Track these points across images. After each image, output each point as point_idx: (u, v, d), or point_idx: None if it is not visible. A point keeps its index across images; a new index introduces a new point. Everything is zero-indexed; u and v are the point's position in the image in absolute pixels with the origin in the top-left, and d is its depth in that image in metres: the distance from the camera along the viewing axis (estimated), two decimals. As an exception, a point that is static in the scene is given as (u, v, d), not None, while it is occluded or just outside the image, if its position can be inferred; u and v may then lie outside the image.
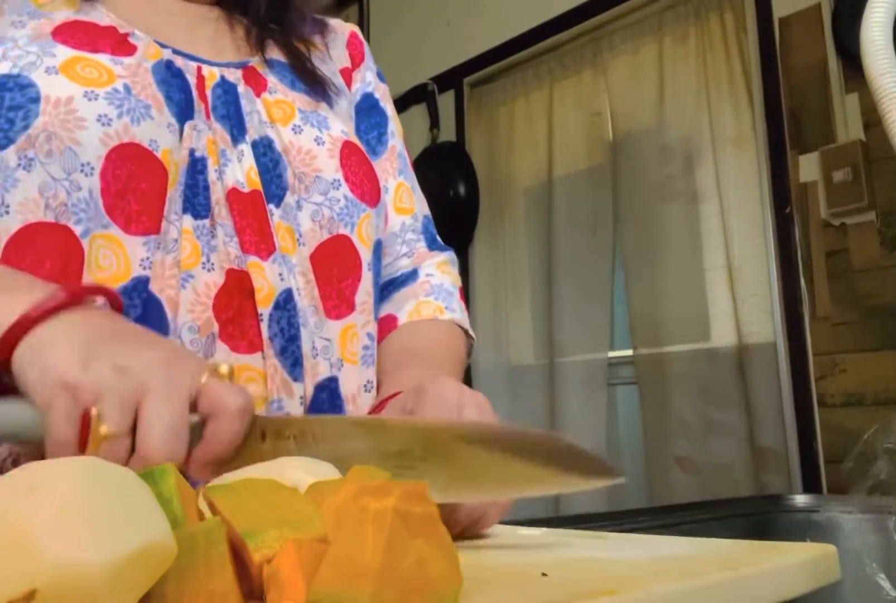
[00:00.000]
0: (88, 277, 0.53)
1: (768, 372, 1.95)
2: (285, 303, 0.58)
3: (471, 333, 0.76)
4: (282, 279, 0.58)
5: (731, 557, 0.38)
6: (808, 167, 1.92)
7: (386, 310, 0.73)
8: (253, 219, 0.58)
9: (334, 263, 0.63)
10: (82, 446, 0.39)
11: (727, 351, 2.03)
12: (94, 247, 0.53)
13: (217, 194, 0.58)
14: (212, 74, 0.62)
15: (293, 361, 0.58)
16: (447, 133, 2.81)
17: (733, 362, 2.01)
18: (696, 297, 2.11)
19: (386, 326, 0.72)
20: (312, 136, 0.63)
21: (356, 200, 0.65)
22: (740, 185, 2.06)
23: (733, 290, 2.02)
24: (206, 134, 0.59)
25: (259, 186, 0.59)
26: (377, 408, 0.61)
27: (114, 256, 0.54)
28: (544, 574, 0.35)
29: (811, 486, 1.83)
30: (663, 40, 2.26)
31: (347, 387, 0.62)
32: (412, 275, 0.75)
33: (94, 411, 0.39)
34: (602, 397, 2.31)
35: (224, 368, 0.42)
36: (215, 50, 0.65)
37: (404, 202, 0.77)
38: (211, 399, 0.41)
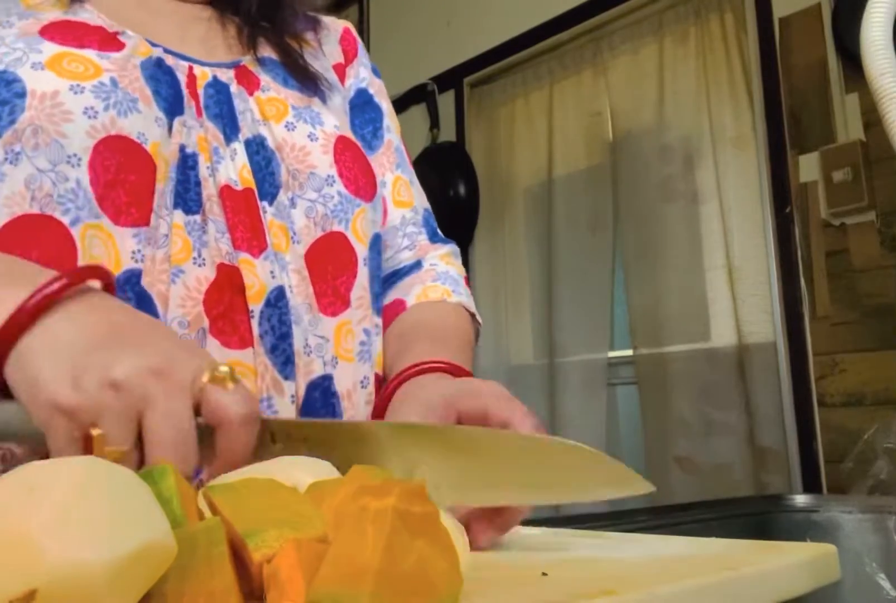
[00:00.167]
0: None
1: (768, 372, 1.94)
2: (276, 300, 0.58)
3: (478, 317, 0.75)
4: (273, 277, 0.58)
5: (731, 557, 0.38)
6: (808, 167, 1.92)
7: (392, 296, 0.73)
8: (245, 216, 0.58)
9: (329, 260, 0.63)
10: None
11: (727, 351, 2.03)
12: (87, 236, 0.53)
13: (209, 190, 0.58)
14: (203, 74, 0.62)
15: (284, 360, 0.57)
16: (447, 133, 2.81)
17: (733, 362, 2.01)
18: (696, 298, 2.11)
19: (394, 309, 0.72)
20: (306, 133, 0.64)
21: (350, 196, 0.65)
22: (740, 186, 2.06)
23: (733, 290, 2.02)
24: (196, 131, 0.59)
25: (252, 185, 0.60)
26: (393, 384, 0.60)
27: (104, 247, 0.54)
28: (544, 574, 0.35)
29: (811, 486, 1.83)
30: (663, 40, 2.26)
31: (342, 384, 0.62)
32: (416, 265, 0.76)
33: (95, 433, 0.38)
34: (602, 397, 2.31)
35: (224, 369, 0.41)
36: (207, 50, 0.65)
37: (403, 195, 0.77)
38: (214, 409, 0.40)
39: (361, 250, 0.66)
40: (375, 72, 0.81)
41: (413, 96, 2.86)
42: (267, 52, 0.69)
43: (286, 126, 0.63)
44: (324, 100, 0.69)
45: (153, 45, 0.61)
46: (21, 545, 0.25)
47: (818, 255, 1.88)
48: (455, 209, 2.67)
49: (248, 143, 0.61)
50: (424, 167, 2.53)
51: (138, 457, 0.39)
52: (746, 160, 2.05)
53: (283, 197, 0.61)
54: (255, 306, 0.57)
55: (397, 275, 0.75)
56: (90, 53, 0.56)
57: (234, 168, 0.59)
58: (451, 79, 2.81)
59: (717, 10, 2.16)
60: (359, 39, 0.80)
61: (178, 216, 0.56)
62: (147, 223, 0.55)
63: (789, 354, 1.91)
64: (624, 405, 2.34)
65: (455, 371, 0.59)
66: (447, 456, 0.42)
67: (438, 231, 0.80)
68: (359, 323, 0.65)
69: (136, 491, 0.29)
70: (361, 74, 0.78)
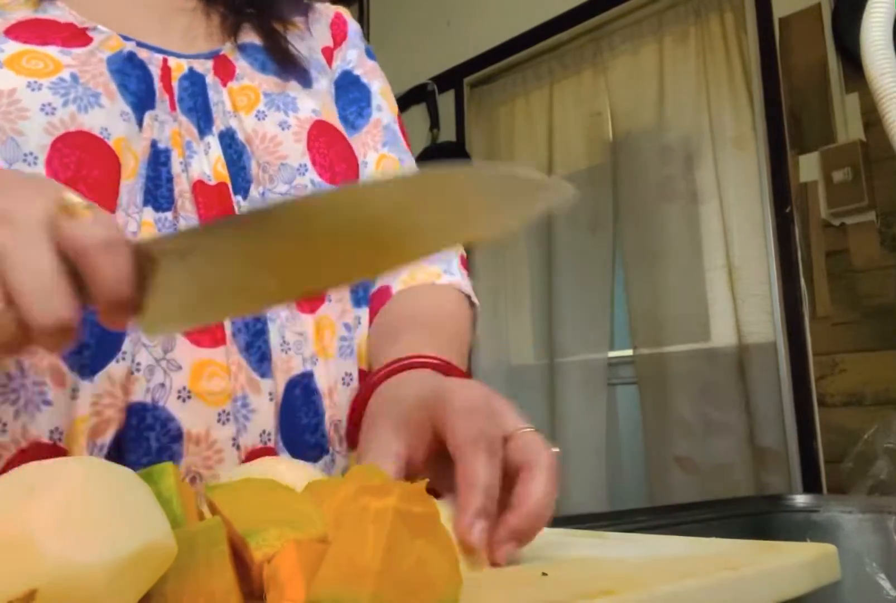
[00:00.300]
0: None
1: (768, 372, 1.95)
2: None
3: (474, 299, 0.70)
4: None
5: (731, 557, 0.38)
6: (808, 167, 1.92)
7: (379, 282, 0.69)
8: (218, 211, 0.57)
9: None
10: None
11: (727, 351, 2.03)
12: None
13: (181, 187, 0.57)
14: (179, 66, 0.61)
15: (259, 357, 0.56)
16: (447, 133, 2.81)
17: (733, 362, 2.01)
18: (696, 298, 2.11)
19: (380, 298, 0.68)
20: (277, 121, 0.62)
21: (325, 184, 0.63)
22: (740, 185, 2.06)
23: (733, 290, 2.02)
24: (170, 126, 0.58)
25: (226, 179, 0.58)
26: (373, 380, 0.56)
27: None
28: (544, 574, 0.35)
29: (811, 486, 1.83)
30: (663, 40, 2.26)
31: (323, 381, 0.60)
32: None
33: None
34: (602, 397, 2.31)
35: (70, 200, 0.36)
36: (187, 41, 0.64)
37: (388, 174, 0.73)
38: (68, 242, 0.35)
39: None
40: (369, 53, 0.78)
41: (413, 96, 2.86)
42: (250, 37, 0.67)
43: (256, 116, 0.61)
44: (306, 83, 0.67)
45: (126, 39, 0.59)
46: (21, 546, 0.25)
47: (818, 255, 1.88)
48: (455, 209, 2.67)
49: (221, 136, 0.60)
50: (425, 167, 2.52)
51: (12, 314, 0.35)
52: (746, 160, 2.05)
53: (254, 192, 0.60)
54: None
55: None
56: (52, 50, 0.55)
57: (209, 162, 0.58)
58: (451, 79, 2.81)
59: (717, 10, 2.16)
60: (351, 23, 0.78)
61: (148, 213, 0.55)
62: None
63: (789, 354, 1.91)
64: (624, 405, 2.34)
65: (443, 367, 0.54)
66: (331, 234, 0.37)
67: None
68: (339, 318, 0.63)
69: (136, 490, 0.29)
70: (349, 57, 0.75)
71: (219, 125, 0.60)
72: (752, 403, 1.96)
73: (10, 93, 0.52)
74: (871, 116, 1.80)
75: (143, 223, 0.55)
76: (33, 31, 0.56)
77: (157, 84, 0.59)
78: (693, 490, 2.01)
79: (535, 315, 2.53)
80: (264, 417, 0.55)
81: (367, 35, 2.96)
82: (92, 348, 0.52)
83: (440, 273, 0.68)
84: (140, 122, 0.57)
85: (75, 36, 0.57)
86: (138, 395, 0.52)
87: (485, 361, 2.57)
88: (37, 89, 0.53)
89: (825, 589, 0.38)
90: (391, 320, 0.65)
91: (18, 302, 0.34)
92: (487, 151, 2.71)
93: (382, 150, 0.73)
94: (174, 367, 0.54)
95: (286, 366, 0.58)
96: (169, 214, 0.56)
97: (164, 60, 0.60)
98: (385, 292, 0.68)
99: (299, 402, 0.58)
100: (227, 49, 0.65)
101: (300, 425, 0.58)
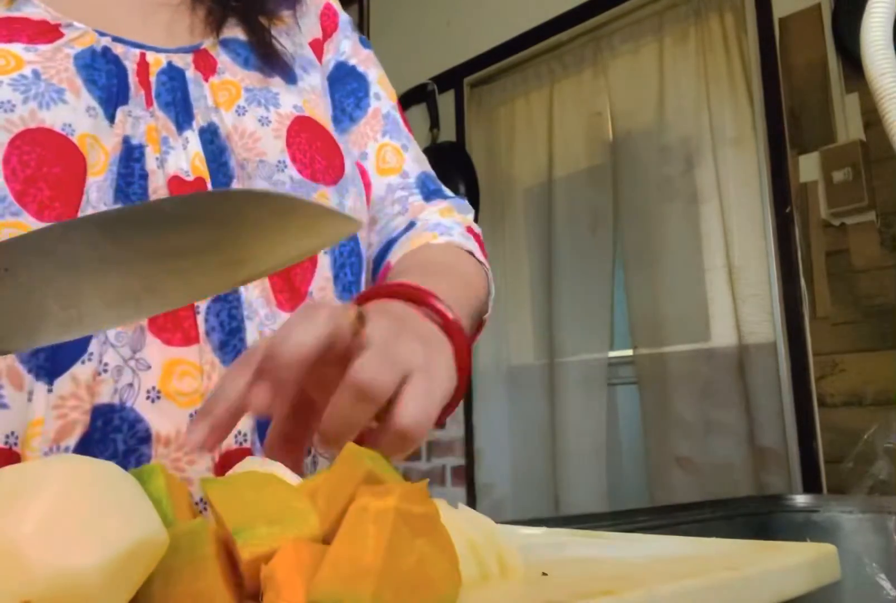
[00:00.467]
0: None
1: (768, 372, 1.94)
2: (226, 294, 0.55)
3: (478, 256, 0.66)
4: None
5: (732, 557, 0.38)
6: (808, 167, 1.92)
7: (384, 263, 0.68)
8: None
9: None
10: None
11: (727, 351, 2.03)
12: (2, 235, 0.51)
13: (156, 183, 0.56)
14: (157, 61, 0.60)
15: (235, 356, 0.55)
16: (447, 133, 2.81)
17: (733, 362, 2.01)
18: (696, 298, 2.11)
19: (383, 275, 0.67)
20: (257, 117, 0.60)
21: (305, 180, 0.61)
22: (740, 185, 2.06)
23: (733, 290, 2.02)
24: (145, 121, 0.57)
25: (204, 174, 0.57)
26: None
27: None
28: (544, 574, 0.35)
29: (811, 486, 1.83)
30: (663, 40, 2.26)
31: None
32: (408, 227, 0.70)
33: None
34: (602, 397, 2.31)
35: None
36: (170, 36, 0.63)
37: (389, 162, 0.72)
38: None
39: None
40: (363, 42, 0.76)
41: (413, 96, 2.86)
42: (234, 32, 0.65)
43: (237, 111, 0.60)
44: (290, 79, 0.65)
45: (102, 34, 0.58)
46: (9, 557, 0.24)
47: (818, 255, 1.88)
48: (455, 209, 2.67)
49: (202, 132, 0.59)
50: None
51: None
52: (746, 160, 2.05)
53: (235, 187, 0.58)
54: (201, 302, 0.54)
55: (392, 243, 0.69)
56: (15, 47, 0.55)
57: (186, 158, 0.57)
58: (451, 79, 2.81)
59: (717, 10, 2.16)
60: (341, 13, 0.76)
61: None
62: (73, 217, 0.52)
63: (789, 354, 1.91)
64: (624, 405, 2.34)
65: (416, 295, 0.47)
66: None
67: (442, 190, 0.74)
68: None
69: (123, 487, 0.28)
70: (342, 47, 0.74)
71: (199, 120, 0.59)
72: (752, 403, 1.96)
73: None
74: (871, 116, 1.80)
75: None
76: (2, 30, 0.56)
77: (133, 79, 0.58)
78: (693, 490, 2.01)
79: (535, 315, 2.53)
80: None
81: (367, 35, 2.94)
82: (47, 351, 0.50)
83: (436, 235, 0.66)
84: (111, 118, 0.56)
85: (44, 32, 0.57)
86: (105, 396, 0.51)
87: (485, 361, 2.57)
88: None
89: (825, 589, 0.38)
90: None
91: None
92: (487, 152, 2.71)
93: (382, 139, 0.72)
94: (143, 366, 0.53)
95: None
96: None
97: (142, 55, 0.59)
98: (385, 269, 0.67)
99: None
100: (209, 44, 0.64)
101: None
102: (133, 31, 0.61)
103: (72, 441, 0.50)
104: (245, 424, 0.55)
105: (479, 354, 2.56)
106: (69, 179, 0.53)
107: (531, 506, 2.39)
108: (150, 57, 0.60)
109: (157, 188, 0.56)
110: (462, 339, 0.46)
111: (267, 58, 0.65)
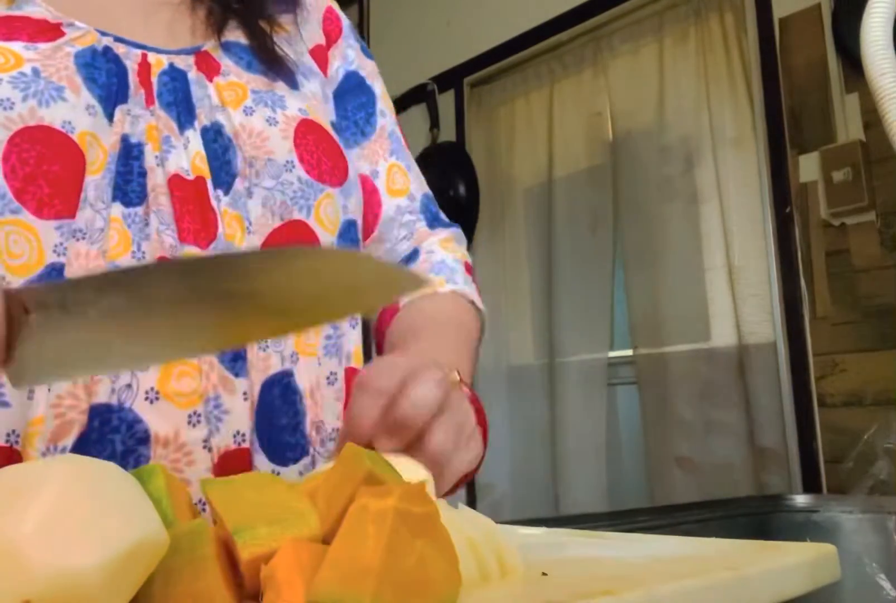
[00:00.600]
0: None
1: (768, 372, 1.94)
2: None
3: (479, 305, 0.71)
4: None
5: (731, 557, 0.38)
6: (808, 167, 1.92)
7: None
8: (194, 206, 0.56)
9: None
10: None
11: (727, 351, 2.03)
12: (3, 234, 0.51)
13: (155, 181, 0.56)
14: (159, 62, 0.60)
15: (233, 356, 0.55)
16: (447, 133, 2.81)
17: (733, 362, 2.01)
18: (696, 298, 2.11)
19: (390, 312, 0.69)
20: (264, 117, 0.61)
21: (312, 181, 0.62)
22: (740, 185, 2.06)
23: (733, 290, 2.02)
24: (146, 120, 0.57)
25: (205, 173, 0.57)
26: None
27: (26, 243, 0.52)
28: (544, 574, 0.35)
29: (811, 486, 1.83)
30: (663, 40, 2.26)
31: (304, 380, 0.59)
32: (412, 255, 0.73)
33: None
34: (602, 397, 2.31)
35: None
36: (171, 37, 0.63)
37: (397, 184, 0.74)
38: None
39: (327, 238, 0.63)
40: (365, 51, 0.77)
41: (413, 96, 2.86)
42: (234, 35, 0.66)
43: (244, 111, 0.60)
44: (292, 85, 0.66)
45: (104, 34, 0.59)
46: (9, 556, 0.24)
47: (818, 255, 1.88)
48: (455, 209, 2.67)
49: (204, 131, 0.59)
50: (424, 167, 2.52)
51: None
52: (746, 160, 2.05)
53: (239, 186, 0.59)
54: None
55: None
56: (15, 46, 0.55)
57: (187, 157, 0.57)
58: (451, 79, 2.81)
59: (717, 10, 2.16)
60: (344, 19, 0.77)
61: (117, 209, 0.54)
62: (72, 215, 0.53)
63: (789, 354, 1.91)
64: (624, 405, 2.34)
65: None
66: (208, 290, 0.38)
67: (441, 216, 0.77)
68: None
69: (123, 487, 0.28)
70: (349, 56, 0.75)
71: (202, 120, 0.59)
72: (752, 403, 1.96)
73: None
74: (871, 116, 1.80)
75: (111, 219, 0.54)
76: (2, 29, 0.56)
77: (133, 78, 0.58)
78: (693, 490, 2.01)
79: (535, 315, 2.53)
80: (238, 417, 0.54)
81: (367, 35, 2.95)
82: None
83: (443, 282, 0.70)
84: (110, 116, 0.56)
85: (44, 31, 0.57)
86: (102, 396, 0.51)
87: (485, 361, 2.57)
88: None
89: (825, 589, 0.38)
90: (398, 332, 0.66)
91: None
92: (487, 152, 2.71)
93: (391, 159, 0.74)
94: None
95: (263, 364, 0.57)
96: (140, 209, 0.55)
97: (144, 56, 0.59)
98: (392, 306, 0.69)
99: (277, 402, 0.57)
100: (210, 46, 0.64)
101: (278, 426, 0.57)
102: (134, 31, 0.61)
103: (69, 441, 0.50)
104: (244, 424, 0.54)
105: (480, 353, 2.56)
106: (68, 177, 0.53)
107: (531, 506, 2.39)
108: (152, 58, 0.60)
109: (156, 186, 0.56)
110: (483, 415, 0.53)
111: (270, 63, 0.65)
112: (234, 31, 0.66)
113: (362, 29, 3.13)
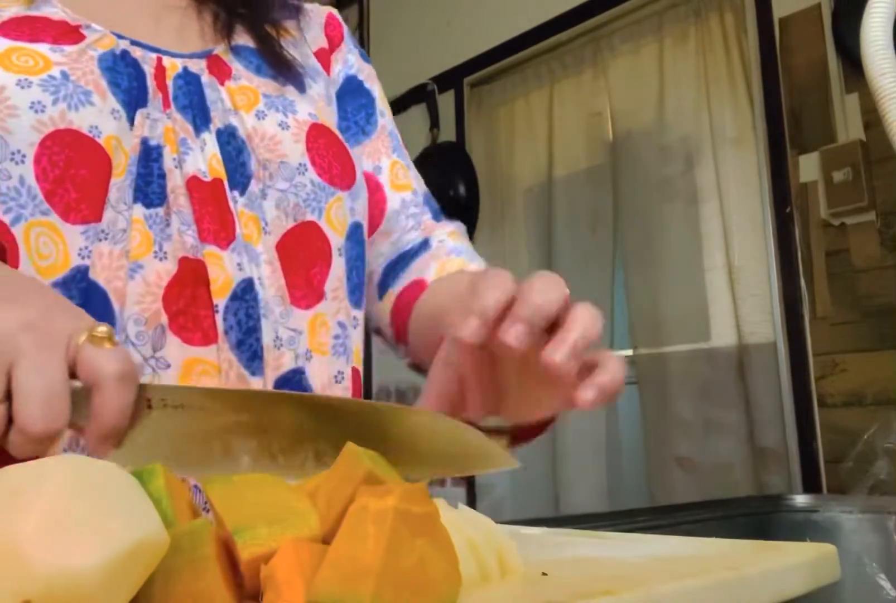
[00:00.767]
0: (27, 267, 0.52)
1: (768, 372, 1.94)
2: (244, 293, 0.56)
3: None
4: (241, 269, 0.57)
5: (731, 557, 0.38)
6: (808, 167, 1.92)
7: (408, 278, 0.71)
8: (213, 207, 0.57)
9: (301, 251, 0.61)
10: None
11: (727, 351, 2.03)
12: (34, 235, 0.52)
13: (174, 182, 0.57)
14: (173, 65, 0.61)
15: (251, 355, 0.56)
16: (447, 133, 2.81)
17: (733, 362, 2.01)
18: (696, 298, 2.11)
19: (414, 290, 0.69)
20: (277, 121, 0.62)
21: (324, 184, 0.63)
22: (740, 185, 2.06)
23: (733, 290, 2.02)
24: (163, 123, 0.58)
25: (221, 175, 0.58)
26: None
27: (53, 245, 0.53)
28: (544, 574, 0.35)
29: (811, 486, 1.83)
30: (663, 40, 2.26)
31: (316, 379, 0.60)
32: (424, 244, 0.73)
33: None
34: (602, 397, 2.31)
35: (102, 330, 0.40)
36: (181, 40, 0.64)
37: (401, 179, 0.75)
38: (88, 367, 0.39)
39: (336, 240, 0.64)
40: (364, 56, 0.79)
41: (413, 96, 2.86)
42: (243, 40, 0.67)
43: (256, 115, 0.62)
44: (300, 88, 0.67)
45: (120, 37, 0.59)
46: (9, 556, 0.24)
47: (818, 255, 1.88)
48: (455, 209, 2.67)
49: (219, 134, 0.60)
50: (424, 167, 2.52)
51: (5, 414, 0.37)
52: (746, 160, 2.05)
53: (254, 187, 0.60)
54: (220, 300, 0.55)
55: (406, 256, 0.73)
56: (42, 47, 0.55)
57: (204, 159, 0.58)
58: (451, 79, 2.81)
59: (717, 10, 2.16)
60: (344, 25, 0.79)
61: (138, 210, 0.55)
62: (98, 219, 0.54)
63: (789, 354, 1.91)
64: (624, 405, 2.33)
65: None
66: (333, 426, 0.43)
67: (441, 212, 0.78)
68: (333, 316, 0.63)
69: (122, 486, 0.29)
70: (350, 61, 0.76)
71: (217, 122, 0.60)
72: (752, 403, 1.96)
73: (0, 90, 0.52)
74: (871, 116, 1.80)
75: (133, 220, 0.55)
76: (24, 29, 0.56)
77: (151, 82, 0.59)
78: (693, 490, 2.01)
79: (535, 315, 2.52)
80: None
81: (366, 36, 2.95)
82: None
83: (467, 262, 0.71)
84: (131, 120, 0.57)
85: (66, 33, 0.57)
86: None
87: (485, 361, 2.57)
88: (27, 87, 0.53)
89: (825, 589, 0.38)
90: (438, 304, 0.66)
91: (18, 400, 0.37)
92: (487, 152, 2.71)
93: (393, 156, 0.76)
94: (163, 365, 0.53)
95: (276, 362, 0.58)
96: (160, 210, 0.56)
97: (159, 59, 0.60)
98: (419, 284, 0.69)
99: None
100: (220, 50, 0.65)
101: None
102: (146, 34, 0.62)
103: None
104: None
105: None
106: (95, 182, 0.54)
107: (531, 506, 2.39)
108: (167, 61, 0.61)
109: (175, 188, 0.57)
110: None
111: (279, 67, 0.66)
112: (242, 34, 0.67)
113: (362, 29, 3.13)
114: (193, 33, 0.66)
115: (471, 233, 2.97)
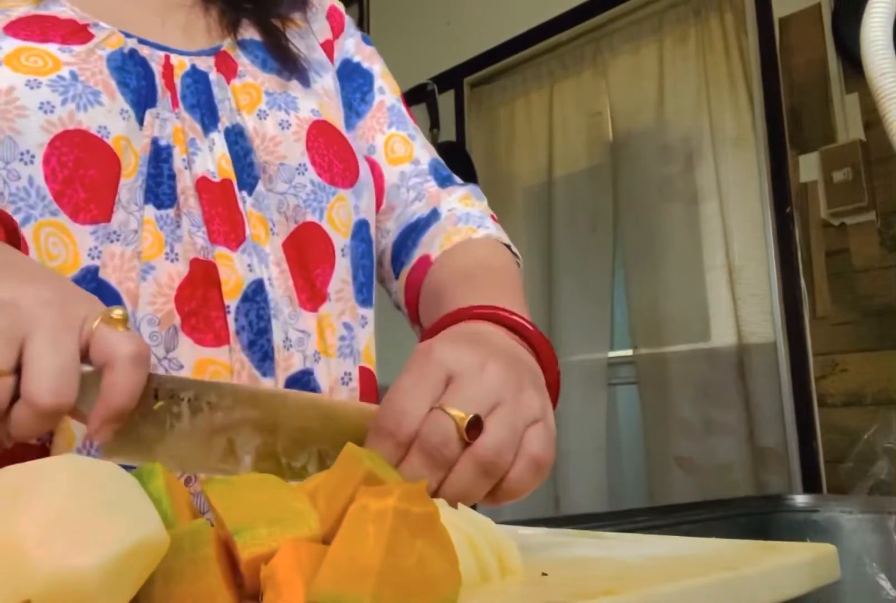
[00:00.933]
0: None
1: (768, 372, 1.95)
2: (254, 294, 0.57)
3: (514, 249, 0.70)
4: (251, 270, 0.57)
5: (731, 557, 0.38)
6: (808, 167, 1.92)
7: (417, 254, 0.70)
8: (223, 208, 0.57)
9: (304, 253, 0.61)
10: None
11: (727, 351, 2.03)
12: (43, 235, 0.52)
13: (184, 183, 0.57)
14: (181, 63, 0.61)
15: (262, 356, 0.56)
16: (447, 133, 2.81)
17: (733, 362, 2.01)
18: (696, 298, 2.11)
19: (421, 267, 0.68)
20: (277, 121, 0.62)
21: (324, 184, 0.63)
22: (740, 185, 2.06)
23: (733, 290, 2.02)
24: (172, 123, 0.58)
25: (230, 175, 0.58)
26: (428, 333, 0.55)
27: (63, 245, 0.53)
28: (544, 574, 0.35)
29: (811, 486, 1.83)
30: (663, 40, 2.26)
31: (324, 380, 0.60)
32: (433, 215, 0.71)
33: None
34: (602, 397, 2.31)
35: (118, 313, 0.40)
36: (188, 38, 0.64)
37: (397, 152, 0.73)
38: (102, 347, 0.39)
39: (339, 240, 0.64)
40: (365, 40, 0.78)
41: (413, 96, 2.86)
42: (249, 33, 0.67)
43: (258, 115, 0.61)
44: (305, 82, 0.67)
45: (128, 36, 0.59)
46: (9, 555, 0.24)
47: (818, 255, 1.88)
48: (455, 209, 2.67)
49: (227, 133, 0.60)
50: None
51: (12, 386, 0.37)
52: (746, 160, 2.05)
53: (261, 188, 0.60)
54: (232, 301, 0.55)
55: (415, 230, 0.71)
56: (51, 47, 0.55)
57: (213, 159, 0.58)
58: (451, 79, 2.81)
59: (717, 10, 2.16)
60: (345, 14, 0.78)
61: (150, 211, 0.55)
62: (107, 219, 0.54)
63: (789, 354, 1.91)
64: (624, 405, 2.34)
65: (491, 316, 0.53)
66: (327, 425, 0.43)
67: (453, 177, 0.76)
68: (338, 317, 0.63)
69: (124, 487, 0.28)
70: (346, 47, 0.76)
71: (225, 122, 0.60)
72: (752, 403, 1.96)
73: (9, 91, 0.52)
74: (871, 116, 1.80)
75: (144, 221, 0.55)
76: (33, 28, 0.56)
77: (159, 81, 0.59)
78: (693, 490, 2.01)
79: (536, 315, 2.52)
80: None
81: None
82: None
83: (475, 229, 0.69)
84: (141, 120, 0.57)
85: (75, 33, 0.57)
86: None
87: (485, 360, 2.56)
88: (36, 87, 0.53)
89: (825, 589, 0.38)
90: (439, 280, 0.65)
91: (29, 372, 0.36)
92: (487, 152, 2.71)
93: (389, 130, 0.74)
94: (176, 366, 0.53)
95: (286, 363, 0.58)
96: (171, 211, 0.56)
97: (167, 57, 0.60)
98: (424, 261, 0.68)
99: None
100: (228, 45, 0.65)
101: None
102: (153, 32, 0.62)
103: None
104: None
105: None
106: (104, 182, 0.54)
107: (531, 506, 2.39)
108: (174, 59, 0.61)
109: (185, 188, 0.57)
110: (551, 352, 0.55)
111: (284, 61, 0.66)
112: (248, 28, 0.67)
113: (362, 29, 3.12)
114: (200, 30, 0.65)
115: (471, 233, 2.95)
